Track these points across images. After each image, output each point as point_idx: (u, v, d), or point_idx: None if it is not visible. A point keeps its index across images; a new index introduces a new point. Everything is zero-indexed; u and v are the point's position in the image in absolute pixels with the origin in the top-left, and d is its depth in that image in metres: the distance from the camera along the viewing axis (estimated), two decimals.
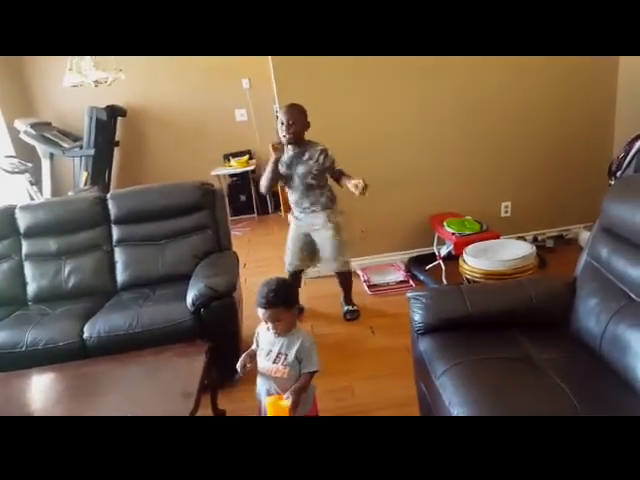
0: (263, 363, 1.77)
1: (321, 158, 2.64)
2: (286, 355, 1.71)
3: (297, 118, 2.59)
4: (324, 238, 2.78)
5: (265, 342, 1.77)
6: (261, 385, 1.80)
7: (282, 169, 2.71)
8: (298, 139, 2.64)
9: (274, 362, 1.73)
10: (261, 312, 1.69)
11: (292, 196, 2.78)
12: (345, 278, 2.98)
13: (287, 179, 2.74)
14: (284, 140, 2.63)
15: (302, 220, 2.80)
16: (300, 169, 2.66)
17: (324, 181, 2.73)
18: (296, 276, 2.96)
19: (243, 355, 1.82)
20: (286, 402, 1.63)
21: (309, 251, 2.87)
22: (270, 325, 1.70)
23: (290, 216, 2.91)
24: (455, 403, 1.41)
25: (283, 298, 1.69)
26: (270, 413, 1.65)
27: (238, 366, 1.80)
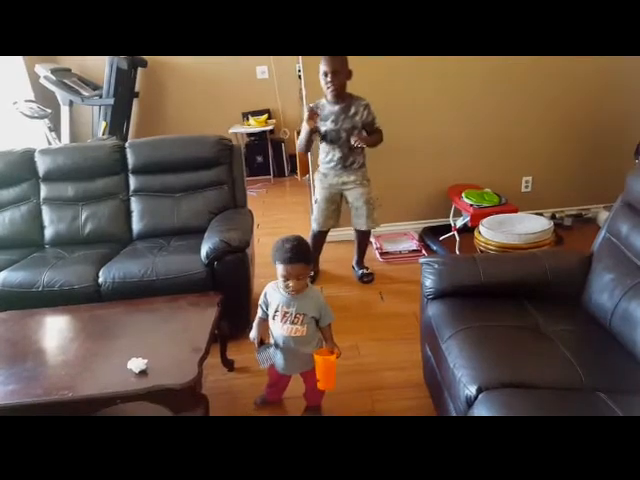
0: (278, 326, 1.73)
1: (365, 113, 2.58)
2: (304, 314, 1.69)
3: (341, 67, 2.46)
4: (359, 195, 2.74)
5: (278, 304, 1.72)
6: (277, 347, 1.78)
7: (326, 125, 2.61)
8: (342, 90, 2.54)
9: (292, 323, 1.70)
10: (283, 268, 1.63)
11: (333, 152, 2.66)
12: (366, 238, 2.98)
13: (328, 135, 2.63)
14: (329, 92, 2.52)
15: (338, 177, 2.72)
16: (347, 124, 2.57)
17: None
18: (322, 237, 2.94)
19: (255, 331, 1.80)
20: (333, 356, 1.67)
21: (338, 211, 2.86)
22: (290, 282, 1.64)
23: (318, 176, 2.82)
24: (459, 365, 1.43)
25: (305, 254, 1.66)
26: (322, 369, 1.67)
27: (253, 337, 1.80)
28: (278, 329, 1.73)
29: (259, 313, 1.80)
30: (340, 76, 2.47)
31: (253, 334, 1.81)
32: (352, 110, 2.57)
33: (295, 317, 1.69)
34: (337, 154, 2.66)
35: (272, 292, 1.74)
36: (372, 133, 2.66)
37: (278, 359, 1.80)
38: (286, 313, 1.70)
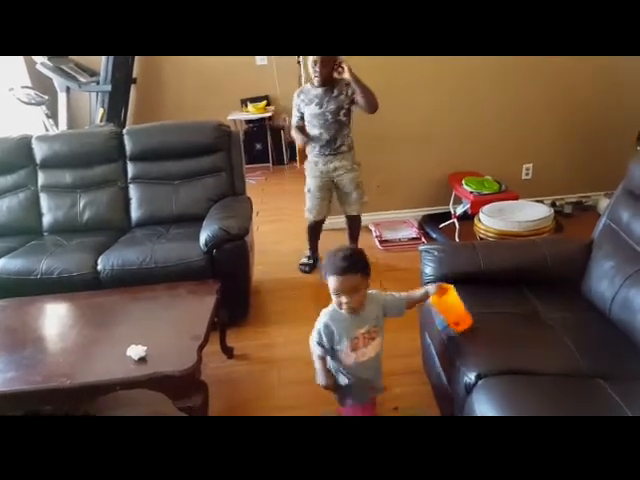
0: (360, 354, 1.46)
1: (349, 91, 2.62)
2: (376, 323, 1.48)
3: (330, 57, 2.54)
4: (349, 180, 2.77)
5: (348, 330, 1.44)
6: (352, 382, 1.50)
7: (311, 108, 2.65)
8: (329, 77, 2.60)
9: (372, 339, 1.46)
10: (335, 281, 1.38)
11: (322, 137, 2.67)
12: (358, 223, 2.99)
13: (315, 120, 2.65)
14: (315, 80, 2.60)
15: (329, 163, 2.73)
16: (331, 106, 2.61)
17: (350, 119, 2.71)
18: (319, 226, 2.96)
19: (325, 376, 1.47)
20: (451, 288, 1.49)
21: (330, 199, 2.88)
22: (344, 298, 1.38)
23: (309, 165, 2.82)
24: (458, 352, 1.44)
25: (361, 263, 1.41)
26: (452, 310, 1.50)
27: (327, 382, 1.47)
28: (359, 357, 1.46)
29: (319, 352, 1.46)
30: (329, 65, 2.55)
31: (324, 379, 1.47)
32: (335, 91, 2.61)
33: (373, 332, 1.47)
34: (325, 136, 2.67)
35: (336, 321, 1.43)
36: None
37: (357, 401, 1.53)
38: (364, 335, 1.44)
